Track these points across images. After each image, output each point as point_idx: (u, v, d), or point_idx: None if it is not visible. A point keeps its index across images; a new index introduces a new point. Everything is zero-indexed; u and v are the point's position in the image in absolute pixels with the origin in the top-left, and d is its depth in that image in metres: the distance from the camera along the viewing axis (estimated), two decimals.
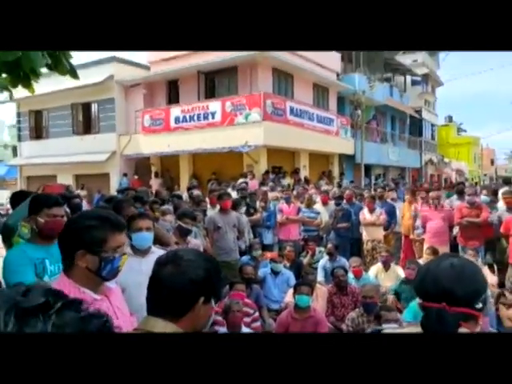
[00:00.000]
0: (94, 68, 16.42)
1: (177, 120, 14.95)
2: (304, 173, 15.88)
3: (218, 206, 6.32)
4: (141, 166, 16.98)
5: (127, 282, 2.70)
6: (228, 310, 3.85)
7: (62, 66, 4.13)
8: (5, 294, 0.75)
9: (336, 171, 18.17)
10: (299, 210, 7.84)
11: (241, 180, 9.96)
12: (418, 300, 1.35)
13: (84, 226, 1.72)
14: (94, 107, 17.56)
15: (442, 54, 31.11)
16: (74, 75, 4.36)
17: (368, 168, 20.13)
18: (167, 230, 4.45)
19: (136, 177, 16.14)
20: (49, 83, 12.86)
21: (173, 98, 16.35)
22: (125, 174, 16.24)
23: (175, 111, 15.08)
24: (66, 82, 10.38)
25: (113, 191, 15.86)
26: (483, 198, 7.05)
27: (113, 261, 1.74)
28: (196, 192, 8.38)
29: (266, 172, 13.26)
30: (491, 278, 5.64)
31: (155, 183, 15.45)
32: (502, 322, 3.97)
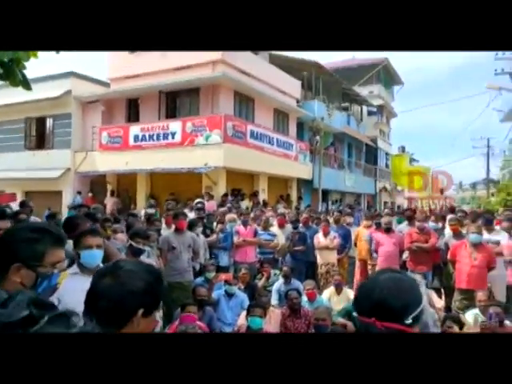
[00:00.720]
0: (51, 82, 16.01)
1: (136, 138, 14.74)
2: (263, 196, 15.98)
3: (173, 226, 6.22)
4: (96, 184, 16.51)
5: (72, 302, 2.57)
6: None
7: (13, 77, 4.01)
8: None
9: (294, 195, 18.41)
10: (256, 232, 7.85)
11: (197, 200, 9.87)
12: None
13: (21, 239, 1.62)
14: (49, 122, 17.02)
15: (396, 87, 32.66)
16: (27, 86, 4.23)
17: (325, 193, 20.55)
18: (118, 249, 4.32)
19: (90, 195, 15.65)
20: (2, 96, 12.47)
21: (132, 116, 16.17)
22: (79, 192, 15.71)
23: (134, 129, 14.87)
24: (21, 95, 10.09)
25: (65, 209, 15.31)
26: (431, 224, 7.35)
27: (50, 277, 1.66)
28: (150, 211, 8.22)
29: (225, 194, 13.24)
30: (438, 303, 5.83)
31: (110, 202, 15.05)
32: None
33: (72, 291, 2.15)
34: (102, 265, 3.06)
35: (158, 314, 3.88)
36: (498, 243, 6.39)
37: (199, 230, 6.98)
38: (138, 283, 1.24)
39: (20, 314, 0.63)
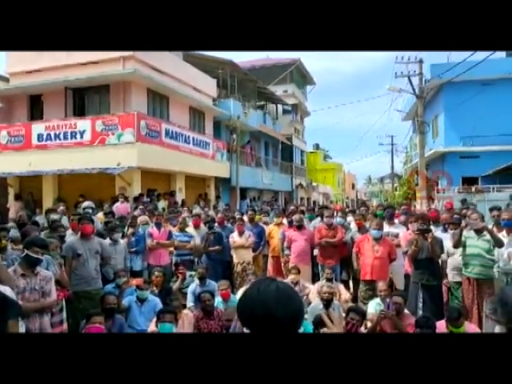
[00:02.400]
0: None
1: (40, 137, 13.72)
2: (181, 195, 15.74)
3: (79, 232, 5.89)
4: None
5: None
6: None
7: None
8: None
9: (213, 194, 18.39)
10: (170, 234, 7.70)
11: (85, 204, 9.42)
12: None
13: None
14: None
15: (308, 87, 33.93)
16: None
17: (244, 191, 20.78)
18: (12, 259, 4.00)
19: None
20: None
21: (35, 113, 15.05)
22: None
23: (38, 128, 13.83)
24: None
25: None
26: (338, 219, 7.75)
27: None
28: (53, 216, 7.71)
29: (137, 196, 12.80)
30: (345, 294, 6.17)
31: (15, 206, 13.87)
32: None
33: None
34: None
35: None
36: (397, 236, 6.92)
37: (118, 235, 6.66)
38: None
39: None
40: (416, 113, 17.71)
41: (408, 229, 6.80)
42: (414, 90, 16.16)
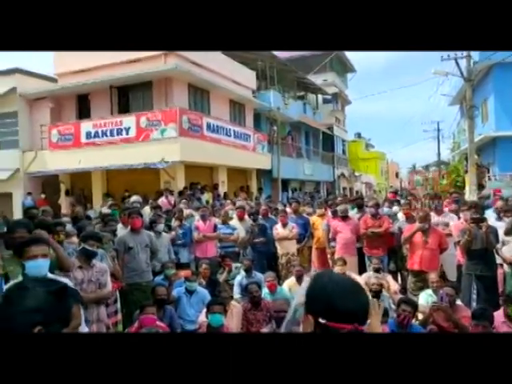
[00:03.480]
0: None
1: (88, 135, 14.26)
2: (223, 188, 15.93)
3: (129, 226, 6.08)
4: (48, 184, 15.88)
5: None
6: None
7: None
8: None
9: (254, 186, 18.47)
10: (216, 226, 7.81)
11: (133, 199, 9.67)
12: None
13: None
14: None
15: (349, 75, 33.25)
16: None
17: (285, 182, 20.75)
18: (68, 253, 4.19)
19: (43, 196, 15.04)
20: None
21: (83, 112, 15.60)
22: (29, 193, 15.06)
23: (86, 126, 14.38)
24: None
25: (16, 212, 14.66)
26: (385, 209, 7.58)
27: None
28: (106, 211, 8.00)
29: (184, 188, 13.08)
30: (394, 285, 6.04)
31: (66, 202, 14.54)
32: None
33: None
34: (49, 273, 2.96)
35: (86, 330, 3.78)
36: (447, 225, 6.68)
37: (160, 227, 6.81)
38: (30, 302, 1.23)
39: None
40: (464, 97, 16.96)
41: (459, 218, 6.55)
42: (461, 72, 15.45)
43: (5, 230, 5.84)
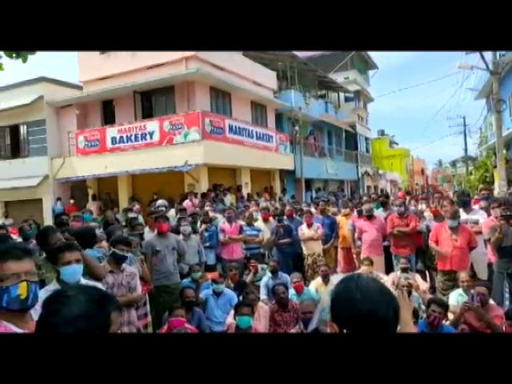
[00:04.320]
0: (22, 89, 15.74)
1: (113, 141, 14.56)
2: (246, 190, 15.99)
3: (156, 230, 6.17)
4: (77, 189, 16.28)
5: None
6: None
7: None
8: None
9: (278, 187, 18.46)
10: (241, 228, 7.84)
11: (159, 202, 9.80)
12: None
13: None
14: (23, 129, 16.68)
15: (371, 72, 32.85)
16: None
17: (308, 182, 20.66)
18: (98, 258, 4.29)
19: (72, 201, 15.42)
20: None
21: (108, 118, 15.95)
22: (59, 199, 15.49)
23: (111, 132, 14.69)
24: None
25: (46, 217, 15.08)
26: (411, 208, 7.46)
27: (8, 290, 1.74)
28: (131, 215, 8.14)
29: (208, 191, 13.19)
30: (423, 285, 5.94)
31: (93, 207, 14.85)
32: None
33: None
34: (82, 278, 3.04)
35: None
36: (476, 222, 6.53)
37: (187, 229, 6.84)
38: (74, 309, 1.24)
39: None
40: (490, 90, 16.51)
41: (489, 215, 6.38)
42: (487, 65, 15.05)
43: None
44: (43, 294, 2.80)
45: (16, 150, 16.93)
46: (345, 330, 1.25)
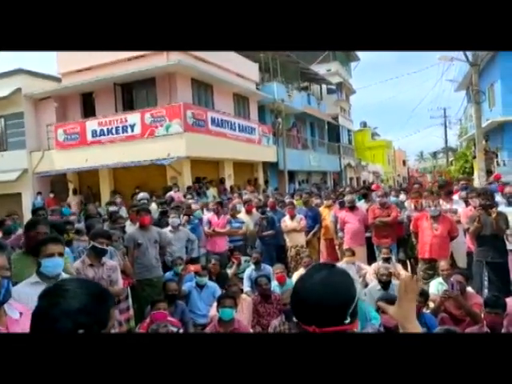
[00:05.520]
0: None
1: (94, 134, 14.33)
2: (230, 182, 15.95)
3: (138, 223, 6.11)
4: (57, 183, 16.01)
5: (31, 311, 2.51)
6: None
7: None
8: None
9: (261, 179, 18.46)
10: (229, 221, 7.81)
11: (140, 196, 9.72)
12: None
13: None
14: (1, 123, 16.29)
15: (353, 64, 32.98)
16: None
17: (291, 174, 20.72)
18: (80, 251, 4.22)
19: (51, 195, 15.15)
20: None
21: (88, 111, 15.67)
22: (39, 193, 15.20)
23: (91, 124, 14.44)
24: None
25: (26, 212, 14.79)
26: (392, 198, 7.55)
27: (3, 282, 1.73)
28: (112, 208, 8.04)
29: (193, 183, 13.11)
30: (403, 274, 6.02)
31: (74, 201, 14.64)
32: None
33: (31, 301, 2.10)
34: (63, 273, 2.99)
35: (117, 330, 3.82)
36: (455, 212, 6.64)
37: (176, 221, 6.76)
38: (74, 303, 1.21)
39: None
40: (470, 82, 16.76)
41: (468, 205, 6.49)
42: (467, 57, 15.25)
43: (18, 229, 5.93)
44: (22, 287, 2.76)
45: None
46: (294, 319, 1.28)
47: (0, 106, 15.42)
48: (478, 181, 14.05)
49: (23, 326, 1.81)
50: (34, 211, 7.09)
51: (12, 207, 14.60)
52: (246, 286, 6.32)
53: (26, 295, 2.51)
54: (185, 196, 10.47)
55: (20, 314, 1.88)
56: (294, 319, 1.28)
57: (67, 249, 4.41)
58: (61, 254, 2.91)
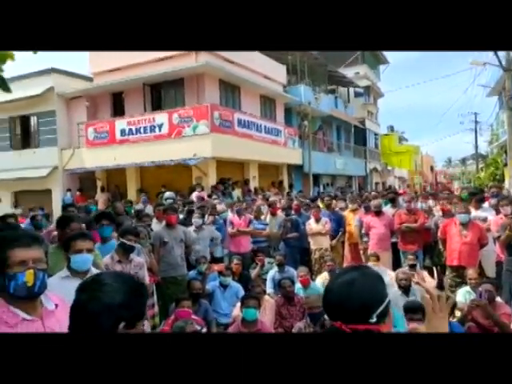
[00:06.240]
0: (33, 79, 15.80)
1: (122, 133, 14.61)
2: (254, 184, 15.98)
3: (164, 221, 6.20)
4: (85, 180, 16.39)
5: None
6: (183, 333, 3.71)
7: None
8: None
9: (285, 181, 18.43)
10: (250, 221, 7.85)
11: (167, 194, 9.83)
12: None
13: None
14: (33, 120, 16.80)
15: (382, 67, 32.58)
16: (7, 89, 4.17)
17: (316, 177, 20.60)
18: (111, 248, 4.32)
19: (78, 193, 15.51)
20: None
21: (117, 110, 15.99)
22: (68, 190, 15.60)
23: (120, 124, 14.73)
24: (3, 94, 9.86)
25: (56, 208, 15.19)
26: (420, 204, 7.43)
27: (15, 277, 1.74)
28: (138, 207, 8.19)
29: (217, 184, 13.22)
30: (430, 281, 5.91)
31: (101, 198, 14.95)
32: None
33: (64, 294, 2.16)
34: (93, 268, 3.07)
35: (146, 324, 3.88)
36: (485, 220, 6.48)
37: (199, 221, 6.83)
38: (116, 297, 1.24)
39: None
40: (503, 87, 16.31)
41: (498, 213, 6.32)
42: (500, 62, 14.87)
43: (49, 225, 6.10)
44: (54, 280, 2.85)
45: (26, 140, 17.06)
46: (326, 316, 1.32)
47: (33, 104, 15.88)
48: (509, 188, 13.66)
49: (58, 317, 1.86)
50: (64, 207, 7.30)
51: (42, 203, 15.08)
52: (269, 288, 6.32)
53: (57, 288, 2.59)
54: (210, 196, 10.55)
55: (56, 306, 1.92)
56: (325, 317, 1.32)
57: (138, 245, 4.52)
58: (89, 250, 2.98)
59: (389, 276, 6.04)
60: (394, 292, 5.20)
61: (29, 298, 1.82)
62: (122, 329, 1.23)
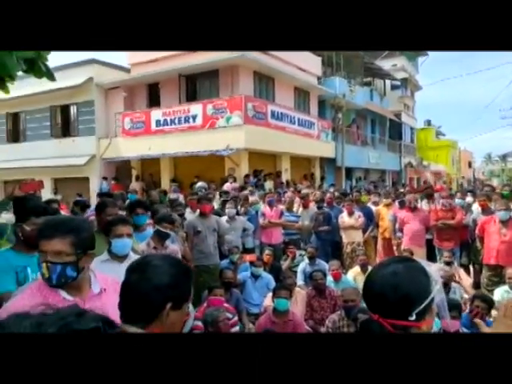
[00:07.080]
0: (73, 70, 16.24)
1: (158, 123, 14.86)
2: (286, 176, 15.95)
3: (198, 210, 6.30)
4: (121, 169, 16.80)
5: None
6: (215, 320, 3.78)
7: (38, 69, 4.09)
8: (60, 313, 0.78)
9: (318, 174, 18.30)
10: (282, 213, 7.87)
11: (199, 184, 9.92)
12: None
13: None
14: (73, 110, 17.32)
15: (420, 59, 31.67)
16: (51, 78, 4.32)
17: (349, 171, 20.35)
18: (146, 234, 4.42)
19: (113, 182, 15.92)
20: (27, 85, 12.77)
21: (153, 100, 16.26)
22: (104, 178, 16.05)
23: (156, 114, 14.99)
24: (45, 84, 10.22)
25: (93, 195, 15.68)
26: (458, 201, 7.22)
27: (40, 267, 1.79)
28: (173, 196, 8.33)
29: (247, 175, 13.27)
30: (466, 280, 5.77)
31: (136, 187, 15.30)
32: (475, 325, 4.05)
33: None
34: (131, 253, 3.16)
35: (190, 307, 3.97)
36: None
37: (232, 211, 6.89)
38: (164, 278, 1.28)
39: (90, 325, 0.76)
40: None
41: None
42: None
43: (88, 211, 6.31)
44: (95, 264, 2.95)
45: (66, 129, 17.62)
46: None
47: (73, 94, 16.36)
48: None
49: (102, 301, 1.89)
50: (101, 195, 7.53)
51: (80, 190, 15.60)
52: (300, 280, 6.33)
53: (97, 271, 2.68)
54: (242, 188, 10.61)
55: (101, 290, 1.95)
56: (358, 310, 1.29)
57: (173, 233, 4.62)
58: (129, 235, 3.07)
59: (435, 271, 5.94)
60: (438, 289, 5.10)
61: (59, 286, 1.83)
62: (169, 309, 1.27)
